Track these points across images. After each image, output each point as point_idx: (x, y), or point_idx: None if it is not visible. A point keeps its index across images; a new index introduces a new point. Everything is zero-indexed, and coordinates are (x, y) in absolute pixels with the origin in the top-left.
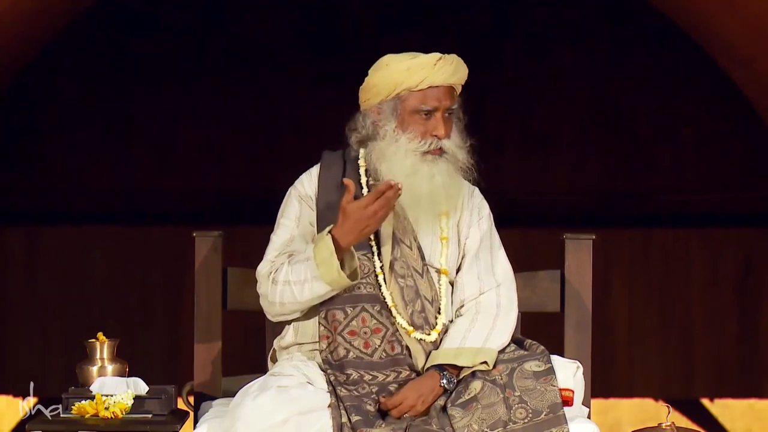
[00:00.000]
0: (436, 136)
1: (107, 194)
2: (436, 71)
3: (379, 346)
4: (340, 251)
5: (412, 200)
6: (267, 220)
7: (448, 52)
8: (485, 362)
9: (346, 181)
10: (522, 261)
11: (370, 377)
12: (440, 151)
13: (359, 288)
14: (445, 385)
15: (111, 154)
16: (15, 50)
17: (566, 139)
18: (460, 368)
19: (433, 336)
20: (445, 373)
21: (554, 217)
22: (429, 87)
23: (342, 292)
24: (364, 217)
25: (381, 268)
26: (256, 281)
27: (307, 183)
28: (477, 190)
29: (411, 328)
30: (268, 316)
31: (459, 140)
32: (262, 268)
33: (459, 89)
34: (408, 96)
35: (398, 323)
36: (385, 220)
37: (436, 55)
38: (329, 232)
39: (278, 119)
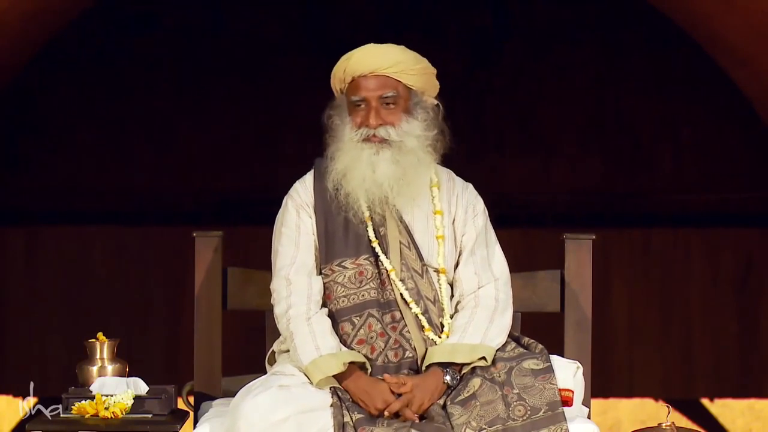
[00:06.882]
0: (367, 125)
1: (107, 194)
2: (353, 63)
3: (383, 350)
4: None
5: (357, 184)
6: (267, 220)
7: (448, 52)
8: (483, 358)
9: (387, 377)
10: (522, 261)
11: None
12: (377, 139)
13: (363, 295)
14: (449, 382)
15: (111, 154)
16: (15, 50)
17: (566, 139)
18: (460, 364)
19: (443, 339)
20: (448, 369)
21: (554, 217)
22: (354, 78)
23: (347, 301)
24: (372, 398)
25: (387, 271)
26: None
27: (302, 191)
28: (471, 187)
29: (428, 326)
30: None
31: (412, 127)
32: (279, 287)
33: (408, 77)
34: (346, 90)
35: (407, 320)
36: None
37: (360, 47)
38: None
39: (278, 119)
